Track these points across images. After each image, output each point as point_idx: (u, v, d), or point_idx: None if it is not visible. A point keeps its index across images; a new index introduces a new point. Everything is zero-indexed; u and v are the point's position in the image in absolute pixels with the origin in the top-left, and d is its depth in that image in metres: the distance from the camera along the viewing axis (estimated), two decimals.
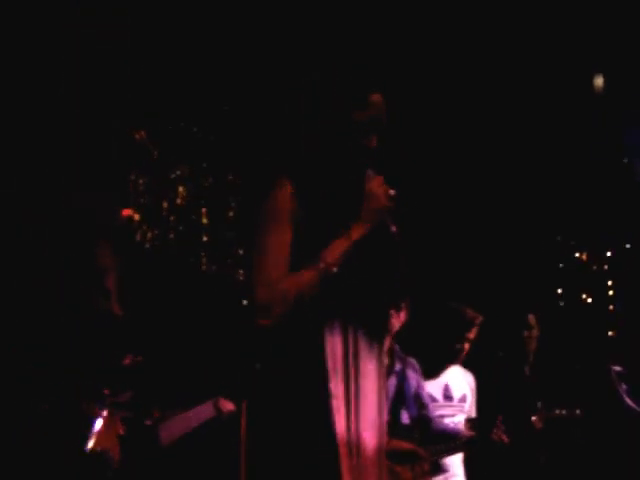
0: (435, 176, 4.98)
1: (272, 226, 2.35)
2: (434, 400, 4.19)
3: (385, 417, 2.44)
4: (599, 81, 5.04)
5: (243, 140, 4.88)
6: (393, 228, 2.38)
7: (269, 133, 4.57)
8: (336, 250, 2.34)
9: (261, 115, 4.74)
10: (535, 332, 4.65)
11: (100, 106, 4.23)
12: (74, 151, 4.14)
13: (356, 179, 2.42)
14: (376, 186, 2.39)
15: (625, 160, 5.03)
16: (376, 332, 2.45)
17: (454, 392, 4.29)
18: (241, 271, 4.69)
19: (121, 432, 3.30)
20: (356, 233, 2.36)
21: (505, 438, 4.07)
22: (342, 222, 2.38)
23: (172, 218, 4.88)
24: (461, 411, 4.27)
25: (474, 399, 4.39)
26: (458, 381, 4.34)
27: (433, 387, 4.23)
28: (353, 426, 2.33)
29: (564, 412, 4.15)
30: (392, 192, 2.40)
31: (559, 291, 5.29)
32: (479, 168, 5.12)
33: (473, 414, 4.34)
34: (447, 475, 4.15)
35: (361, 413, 2.36)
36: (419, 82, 4.66)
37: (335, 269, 2.31)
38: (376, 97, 2.45)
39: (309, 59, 4.39)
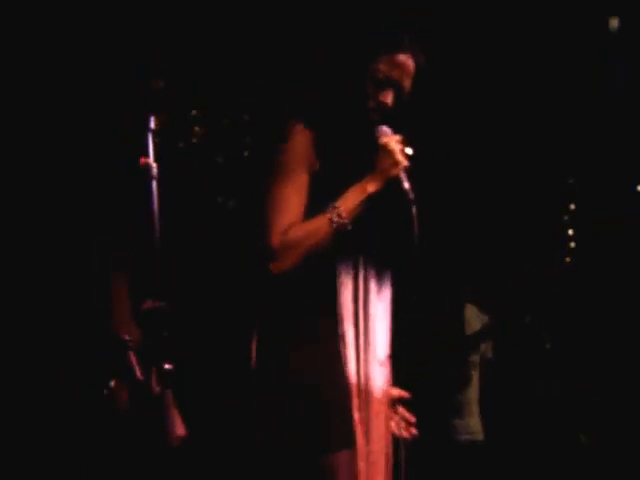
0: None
1: (289, 172, 2.37)
2: None
3: (389, 359, 2.53)
4: (614, 23, 5.01)
5: (258, 82, 4.87)
6: (407, 185, 2.40)
7: (285, 75, 4.57)
8: (350, 202, 2.37)
9: (277, 57, 4.72)
10: None
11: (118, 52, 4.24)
12: (92, 96, 4.17)
13: (367, 132, 2.44)
14: (393, 142, 2.41)
15: None
16: (385, 276, 2.52)
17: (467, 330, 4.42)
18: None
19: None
20: (371, 186, 2.39)
21: None
22: (354, 172, 2.42)
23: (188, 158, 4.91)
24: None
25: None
26: (473, 320, 4.46)
27: None
28: (362, 367, 2.43)
29: None
30: (409, 151, 2.43)
31: None
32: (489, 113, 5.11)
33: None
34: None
35: (369, 355, 2.45)
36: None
37: (349, 223, 2.36)
38: (402, 58, 2.44)
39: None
